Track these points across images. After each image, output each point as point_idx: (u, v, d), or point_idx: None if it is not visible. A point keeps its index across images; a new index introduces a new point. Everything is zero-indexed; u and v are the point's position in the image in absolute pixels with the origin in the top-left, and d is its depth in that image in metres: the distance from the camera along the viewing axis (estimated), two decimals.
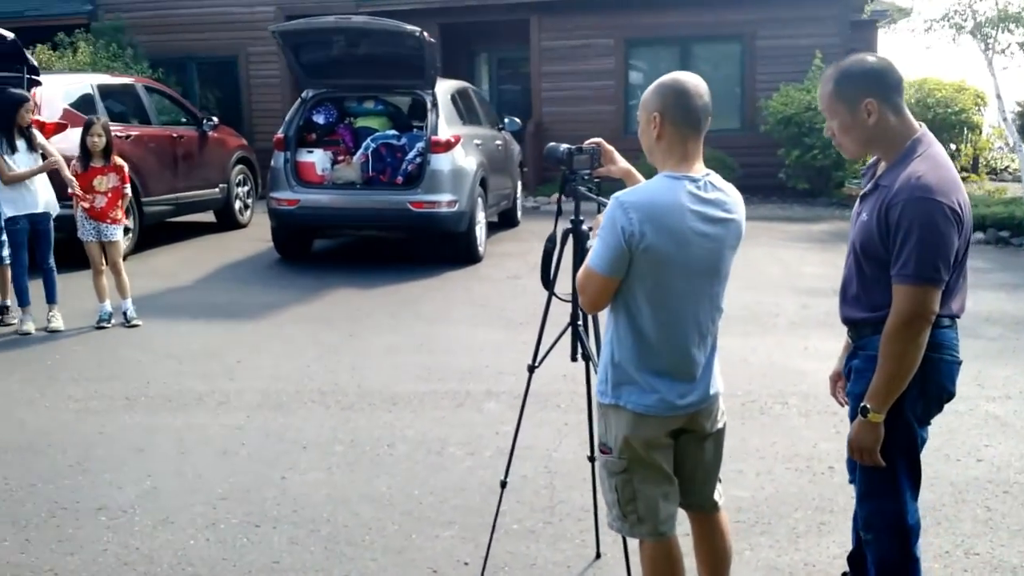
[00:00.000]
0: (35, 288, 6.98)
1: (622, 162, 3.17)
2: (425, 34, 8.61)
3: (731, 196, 2.70)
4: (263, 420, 5.12)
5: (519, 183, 12.44)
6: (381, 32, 8.66)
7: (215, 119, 11.48)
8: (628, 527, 2.79)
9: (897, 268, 2.54)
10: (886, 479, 2.72)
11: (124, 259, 9.20)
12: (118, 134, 9.46)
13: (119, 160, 6.98)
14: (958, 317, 2.72)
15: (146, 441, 4.82)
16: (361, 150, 9.23)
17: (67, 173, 6.76)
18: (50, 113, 8.68)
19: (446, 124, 9.08)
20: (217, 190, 11.38)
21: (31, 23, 16.71)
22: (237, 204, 11.89)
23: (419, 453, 4.67)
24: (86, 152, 6.84)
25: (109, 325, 6.95)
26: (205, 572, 3.51)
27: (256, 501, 4.12)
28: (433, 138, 8.90)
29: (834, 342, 6.35)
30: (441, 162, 8.89)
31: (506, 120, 11.89)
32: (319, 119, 9.48)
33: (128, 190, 7.02)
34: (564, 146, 3.19)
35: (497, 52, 18.46)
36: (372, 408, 5.31)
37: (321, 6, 17.05)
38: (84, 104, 9.35)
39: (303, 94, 9.40)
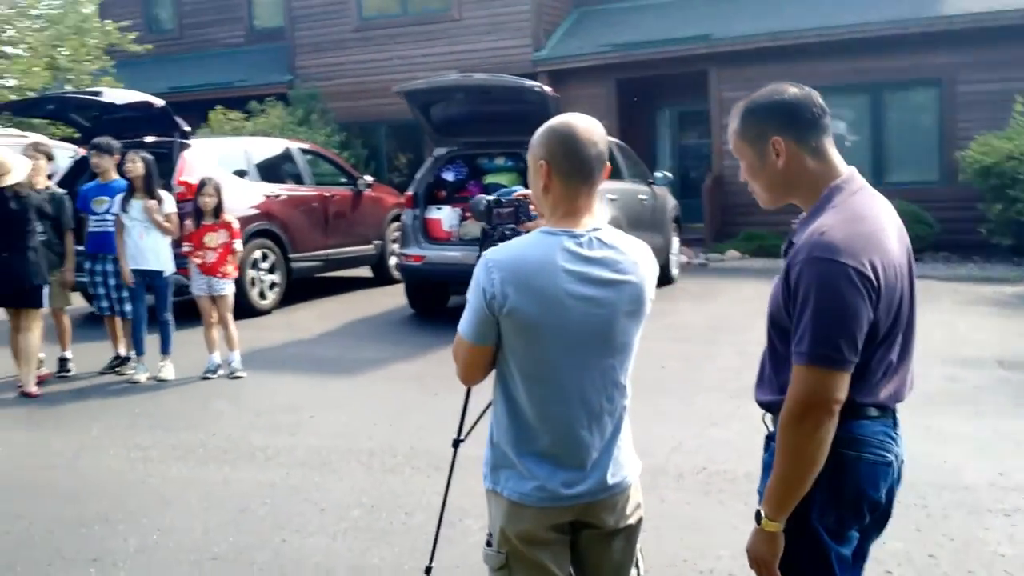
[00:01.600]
0: (155, 340, 7.33)
1: None
2: (547, 89, 8.47)
3: (628, 254, 2.32)
4: (299, 478, 5.04)
5: (674, 239, 11.98)
6: (502, 88, 8.61)
7: (370, 179, 11.84)
8: None
9: (794, 344, 2.07)
10: None
11: (268, 313, 9.66)
12: (268, 194, 9.98)
13: (228, 217, 7.24)
14: (889, 407, 2.18)
15: (178, 494, 4.85)
16: None
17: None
18: (200, 174, 9.18)
19: None
20: (371, 246, 11.68)
21: (239, 92, 18.10)
22: (392, 260, 12.16)
23: (434, 523, 4.40)
24: (198, 211, 7.15)
25: (215, 376, 7.18)
26: None
27: (244, 563, 4.01)
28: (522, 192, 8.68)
29: (965, 423, 5.60)
30: None
31: (657, 174, 11.54)
32: (448, 176, 9.53)
33: (238, 245, 7.25)
34: (486, 199, 2.92)
35: (678, 106, 18.10)
36: (413, 471, 5.11)
37: (500, 67, 17.44)
38: (236, 166, 9.88)
39: (435, 152, 9.48)
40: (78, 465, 5.34)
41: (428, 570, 3.24)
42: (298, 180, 10.81)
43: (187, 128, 9.40)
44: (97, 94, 9.19)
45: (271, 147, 11.00)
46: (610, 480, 2.34)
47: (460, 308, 9.29)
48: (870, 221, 2.12)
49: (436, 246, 9.10)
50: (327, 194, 10.97)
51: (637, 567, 2.54)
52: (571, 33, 17.81)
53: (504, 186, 9.40)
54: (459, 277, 9.44)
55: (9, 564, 4.02)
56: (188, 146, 9.36)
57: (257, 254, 9.65)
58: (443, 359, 7.79)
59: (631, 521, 2.44)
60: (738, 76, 15.87)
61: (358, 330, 9.18)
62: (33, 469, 5.30)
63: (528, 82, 8.53)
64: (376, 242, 11.79)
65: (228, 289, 7.23)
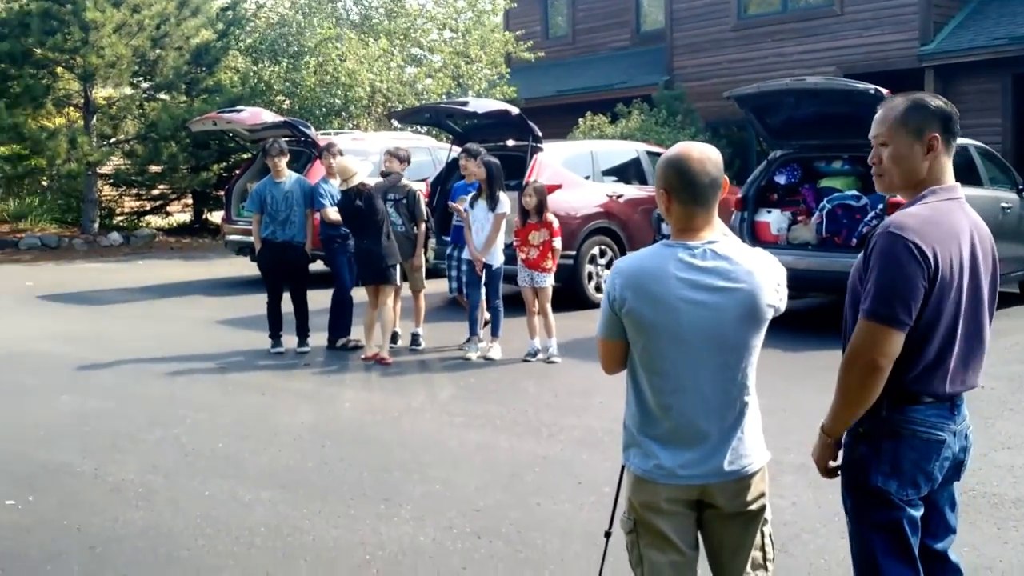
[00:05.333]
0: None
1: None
2: (883, 91, 8.22)
3: (741, 264, 2.62)
4: (570, 454, 5.61)
5: None
6: (834, 92, 8.50)
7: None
8: None
9: (861, 303, 2.49)
10: (862, 557, 2.61)
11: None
12: (610, 194, 10.68)
13: (550, 217, 7.97)
14: (943, 396, 2.51)
15: (467, 455, 5.64)
16: (817, 211, 9.10)
17: None
18: (549, 175, 10.10)
19: None
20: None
21: (618, 94, 19.05)
22: None
23: None
24: (523, 211, 7.96)
25: (533, 360, 7.97)
26: (406, 564, 4.18)
27: (498, 517, 4.66)
28: (891, 199, 8.42)
29: None
30: None
31: None
32: (781, 179, 9.55)
33: (558, 243, 7.96)
34: (658, 211, 3.26)
35: None
36: None
37: (881, 62, 16.72)
38: (582, 167, 10.69)
39: (770, 155, 9.56)
40: (399, 423, 6.35)
41: (607, 534, 3.64)
42: (643, 181, 11.38)
43: (539, 133, 10.32)
44: (464, 104, 10.42)
45: (618, 150, 11.69)
46: (727, 467, 2.63)
47: (791, 312, 9.28)
48: (945, 223, 2.48)
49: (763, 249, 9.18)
50: None
51: (764, 551, 2.79)
52: (965, 25, 16.58)
53: (838, 190, 9.29)
54: (788, 281, 9.42)
55: (322, 496, 5.02)
56: (540, 149, 10.30)
57: (595, 250, 10.39)
58: (760, 365, 7.90)
59: (752, 507, 2.70)
60: None
61: None
62: (366, 423, 6.39)
63: (861, 84, 8.35)
64: None
65: (548, 282, 7.98)
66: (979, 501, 4.72)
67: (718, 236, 2.65)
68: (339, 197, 8.17)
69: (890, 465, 2.52)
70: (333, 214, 8.32)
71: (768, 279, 2.63)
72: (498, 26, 21.86)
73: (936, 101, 2.60)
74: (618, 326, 2.67)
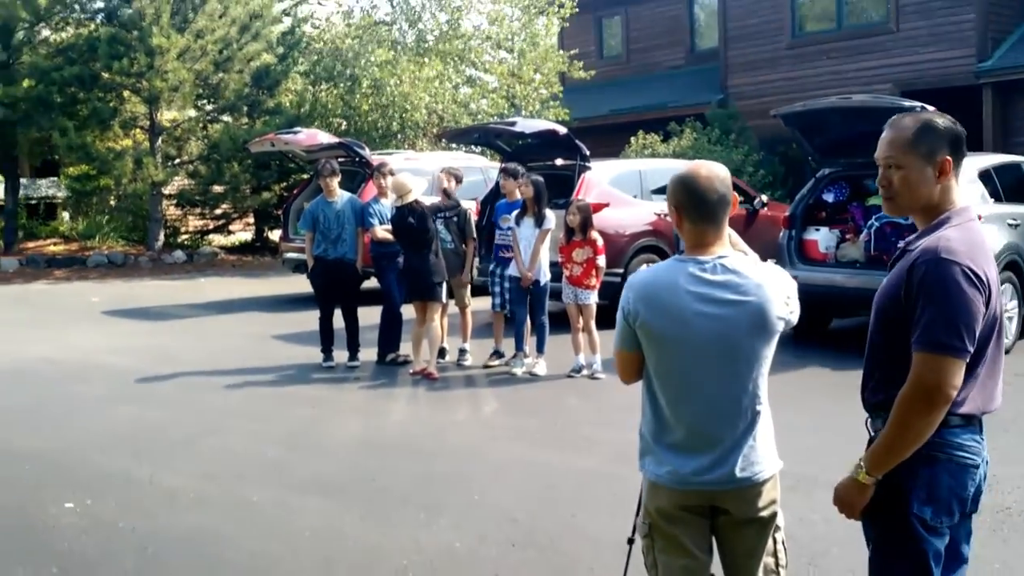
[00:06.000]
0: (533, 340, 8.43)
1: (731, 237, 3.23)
2: (930, 108, 8.20)
3: (751, 278, 2.72)
4: (609, 468, 5.68)
5: None
6: (881, 110, 8.47)
7: (764, 198, 12.08)
8: None
9: (915, 335, 2.41)
10: None
11: None
12: (658, 212, 10.76)
13: (595, 235, 8.08)
14: (975, 416, 2.47)
15: (507, 467, 5.77)
16: (865, 229, 9.08)
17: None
18: (596, 194, 10.21)
19: None
20: (770, 263, 11.95)
21: (671, 113, 19.10)
22: None
23: None
24: (568, 228, 8.09)
25: (577, 376, 8.08)
26: (441, 570, 4.32)
27: (533, 528, 4.78)
28: None
29: None
30: None
31: None
32: (828, 197, 9.54)
33: (601, 261, 8.07)
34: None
35: None
36: None
37: (937, 80, 16.56)
38: (629, 186, 10.79)
39: (818, 173, 9.57)
40: (442, 435, 6.50)
41: (630, 540, 3.73)
42: None
43: (587, 152, 10.44)
44: (512, 124, 10.59)
45: (666, 168, 11.68)
46: (739, 474, 2.72)
47: (840, 331, 9.32)
48: (980, 240, 2.48)
49: (811, 267, 9.17)
50: None
51: (776, 557, 2.87)
52: None
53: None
54: (836, 299, 9.43)
55: (366, 503, 5.19)
56: (588, 168, 10.43)
57: (643, 268, 10.38)
58: (804, 383, 7.91)
59: (763, 514, 2.79)
60: None
61: None
62: (411, 435, 6.56)
63: (908, 102, 8.32)
64: (771, 260, 11.97)
65: (592, 299, 8.09)
66: (1014, 519, 4.71)
67: (728, 251, 2.75)
68: (389, 216, 8.38)
69: (927, 491, 2.44)
70: (381, 233, 8.54)
71: (777, 292, 2.72)
72: (553, 47, 22.09)
73: (945, 121, 2.55)
74: (632, 338, 2.79)
